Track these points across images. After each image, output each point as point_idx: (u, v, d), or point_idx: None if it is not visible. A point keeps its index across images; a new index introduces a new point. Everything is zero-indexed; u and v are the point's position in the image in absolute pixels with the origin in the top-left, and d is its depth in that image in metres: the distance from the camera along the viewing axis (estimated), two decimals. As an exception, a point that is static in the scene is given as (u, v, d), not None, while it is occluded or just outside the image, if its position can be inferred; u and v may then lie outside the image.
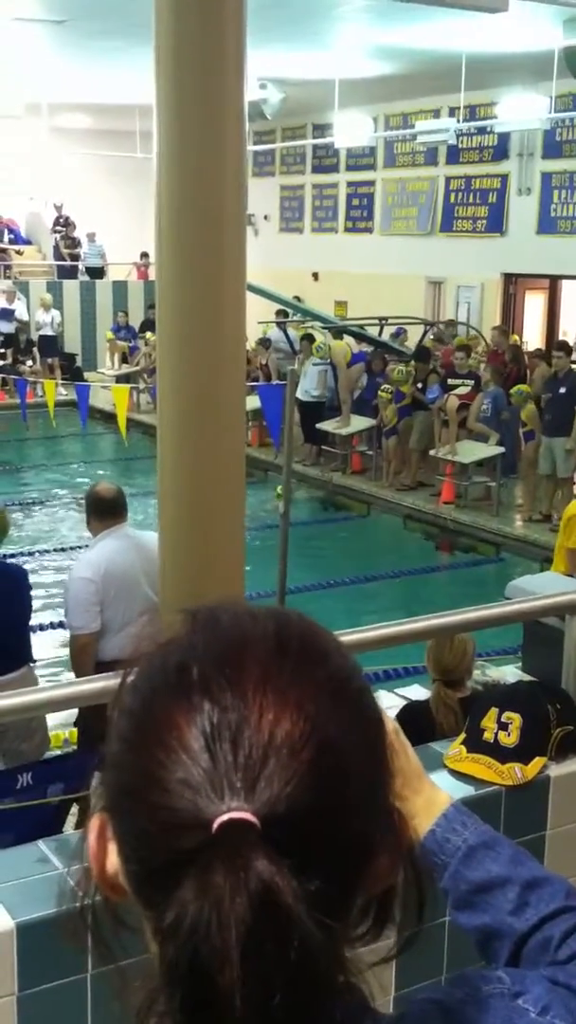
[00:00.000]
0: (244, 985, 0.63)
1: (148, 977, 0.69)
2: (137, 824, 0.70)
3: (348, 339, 15.69)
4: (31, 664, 5.04)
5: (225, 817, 0.66)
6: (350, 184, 21.13)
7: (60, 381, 16.92)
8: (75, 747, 5.23)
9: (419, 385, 13.81)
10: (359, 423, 14.58)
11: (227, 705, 0.69)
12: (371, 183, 20.59)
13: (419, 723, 3.89)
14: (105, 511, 5.08)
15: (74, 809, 4.19)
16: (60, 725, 5.65)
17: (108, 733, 0.75)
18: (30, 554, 10.69)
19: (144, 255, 21.84)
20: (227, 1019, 0.64)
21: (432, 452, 13.54)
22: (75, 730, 5.26)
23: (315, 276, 21.36)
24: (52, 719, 5.27)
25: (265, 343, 16.78)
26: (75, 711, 4.93)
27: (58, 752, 5.32)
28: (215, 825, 0.66)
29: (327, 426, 14.84)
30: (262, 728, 0.68)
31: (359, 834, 0.71)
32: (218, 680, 0.71)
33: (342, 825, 0.69)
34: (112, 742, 0.74)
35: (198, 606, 0.78)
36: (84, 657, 4.85)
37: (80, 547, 9.12)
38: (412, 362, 14.37)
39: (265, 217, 22.65)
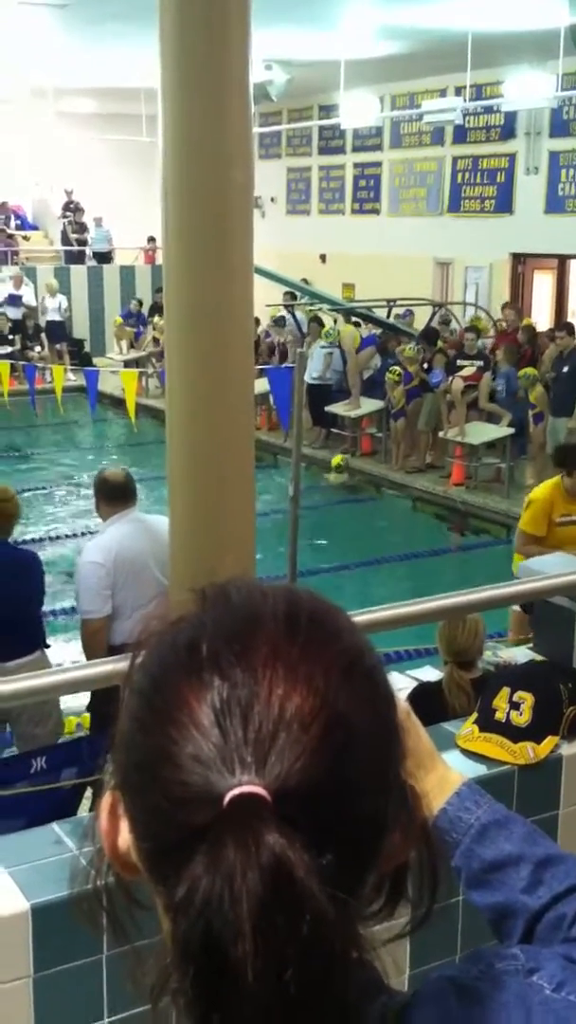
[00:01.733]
0: (256, 958, 0.63)
1: (161, 955, 0.69)
2: (149, 800, 0.70)
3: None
4: (44, 648, 5.06)
5: (236, 791, 0.66)
6: (357, 165, 21.05)
7: (69, 367, 16.91)
8: (88, 732, 5.24)
9: (425, 366, 13.78)
10: (368, 405, 14.56)
11: (237, 681, 0.70)
12: (378, 164, 20.50)
13: (431, 704, 3.89)
14: (114, 496, 5.09)
15: (88, 792, 4.20)
16: (73, 711, 5.67)
17: (119, 712, 0.75)
18: (40, 540, 10.71)
19: (151, 239, 21.80)
20: (240, 992, 0.64)
21: (441, 434, 13.52)
22: (88, 715, 5.28)
23: (323, 258, 21.31)
24: (65, 705, 5.28)
25: (280, 321, 16.75)
26: (87, 697, 4.95)
27: (71, 737, 5.34)
28: (226, 799, 0.66)
29: (336, 408, 14.82)
30: (272, 703, 0.69)
31: (371, 809, 0.71)
32: (228, 657, 0.71)
33: (354, 800, 0.69)
34: (123, 721, 0.74)
35: (208, 584, 0.78)
36: (96, 641, 4.86)
37: (90, 532, 9.13)
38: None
39: (272, 199, 22.59)
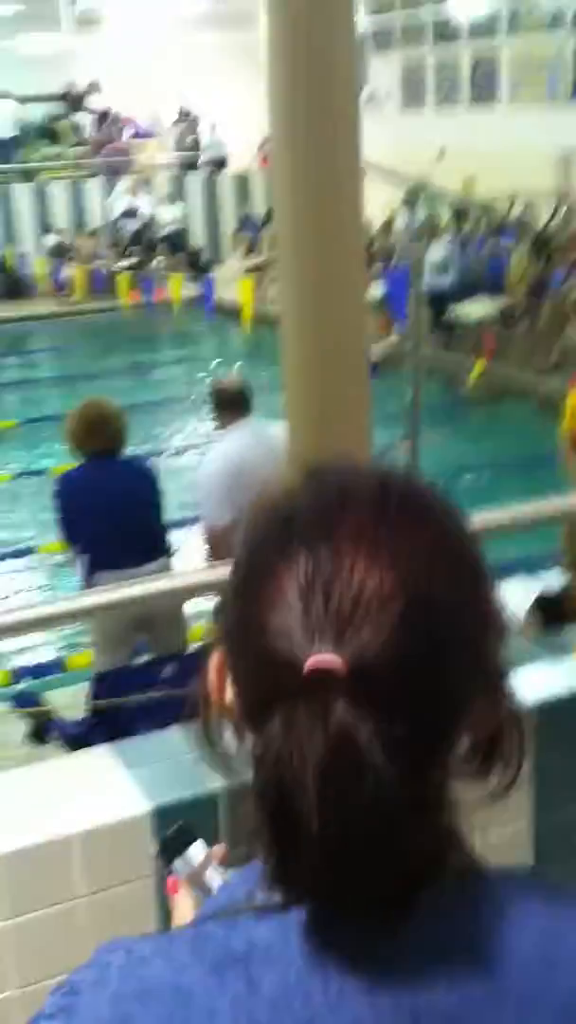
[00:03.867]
0: (320, 811, 0.70)
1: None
2: (243, 662, 0.78)
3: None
4: (169, 555, 5.11)
5: (312, 661, 0.71)
6: (474, 55, 20.30)
7: (187, 277, 16.90)
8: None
9: (540, 272, 13.36)
10: (489, 306, 14.21)
11: (322, 557, 0.74)
12: (495, 52, 19.75)
13: (551, 612, 3.85)
14: (231, 405, 5.09)
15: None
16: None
17: (227, 581, 0.82)
18: (159, 452, 10.81)
19: (263, 142, 21.49)
20: (306, 839, 0.71)
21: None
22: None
23: (441, 154, 20.71)
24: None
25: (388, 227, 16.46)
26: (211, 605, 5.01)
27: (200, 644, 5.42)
28: (304, 668, 0.71)
29: (458, 310, 14.49)
30: (352, 581, 0.73)
31: (448, 686, 0.75)
32: (316, 533, 0.76)
33: (432, 677, 0.74)
34: (227, 589, 0.81)
35: (314, 463, 0.83)
36: (220, 548, 4.91)
37: (208, 443, 9.18)
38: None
39: (387, 94, 21.97)
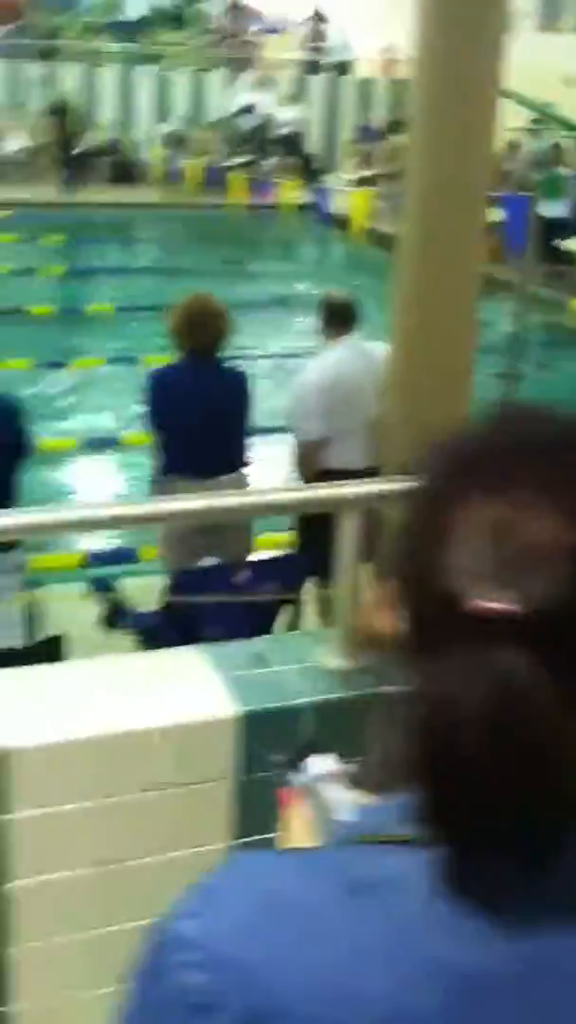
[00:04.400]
0: (481, 755, 0.69)
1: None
2: (413, 600, 0.78)
3: None
4: (244, 469, 5.02)
5: (484, 604, 0.71)
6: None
7: (299, 183, 16.63)
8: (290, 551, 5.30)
9: None
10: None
11: (502, 502, 0.74)
12: None
13: None
14: (337, 319, 5.03)
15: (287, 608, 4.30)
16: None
17: (407, 514, 0.82)
18: (257, 358, 10.74)
19: (388, 48, 20.80)
20: (463, 779, 0.70)
21: None
22: (289, 535, 5.33)
23: (572, 80, 19.96)
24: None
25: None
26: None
27: (275, 553, 5.41)
28: (474, 610, 0.71)
29: (570, 244, 14.11)
30: (532, 529, 0.72)
31: None
32: (498, 478, 0.75)
33: None
34: (406, 523, 0.81)
35: (505, 402, 0.80)
36: (308, 464, 4.89)
37: (306, 355, 9.09)
38: None
39: (524, 16, 21.16)
